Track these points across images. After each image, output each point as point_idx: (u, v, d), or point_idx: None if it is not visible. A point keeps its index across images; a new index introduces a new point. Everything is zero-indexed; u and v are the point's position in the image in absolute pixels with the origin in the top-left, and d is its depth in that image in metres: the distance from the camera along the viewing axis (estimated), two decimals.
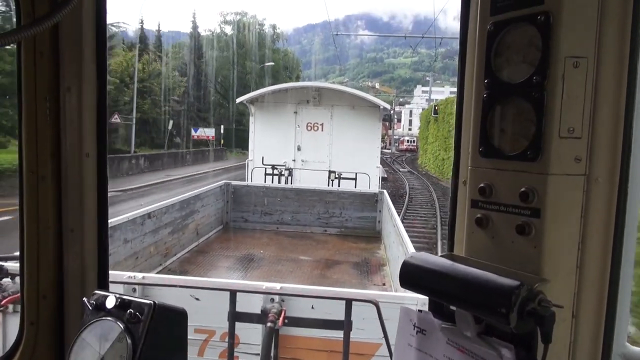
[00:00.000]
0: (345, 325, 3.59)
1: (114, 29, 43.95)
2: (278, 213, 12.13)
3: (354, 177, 14.19)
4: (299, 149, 16.22)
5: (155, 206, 8.67)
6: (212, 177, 28.73)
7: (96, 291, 1.35)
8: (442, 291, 1.01)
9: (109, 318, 1.26)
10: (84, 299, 1.33)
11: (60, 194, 1.64)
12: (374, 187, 14.21)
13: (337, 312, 3.69)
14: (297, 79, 64.94)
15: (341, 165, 15.21)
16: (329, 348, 3.80)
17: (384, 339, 3.04)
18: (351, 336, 3.65)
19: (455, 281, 0.97)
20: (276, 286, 3.86)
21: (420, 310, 1.11)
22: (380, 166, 16.78)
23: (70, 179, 1.64)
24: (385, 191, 12.12)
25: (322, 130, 16.13)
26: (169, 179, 30.04)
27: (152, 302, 1.26)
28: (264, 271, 8.90)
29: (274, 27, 69.99)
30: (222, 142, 51.56)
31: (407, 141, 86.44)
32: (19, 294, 3.51)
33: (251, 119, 16.67)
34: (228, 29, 65.46)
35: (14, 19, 1.55)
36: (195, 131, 49.40)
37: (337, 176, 14.59)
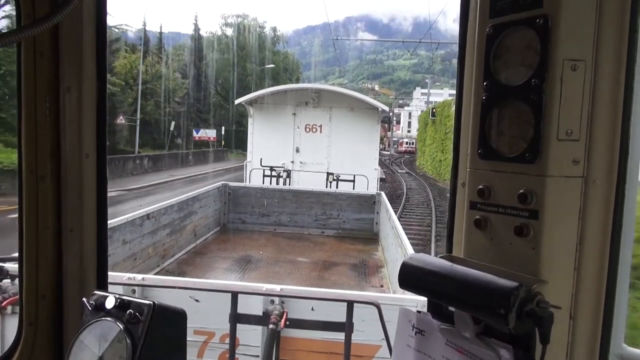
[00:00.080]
0: (346, 327, 3.58)
1: (117, 31, 44.09)
2: (276, 214, 12.13)
3: (352, 179, 14.20)
4: (297, 150, 16.22)
5: (154, 207, 8.66)
6: (213, 177, 29.03)
7: (96, 291, 1.35)
8: (441, 292, 1.01)
9: (108, 318, 1.26)
10: (84, 299, 1.33)
11: (60, 194, 1.64)
12: (372, 188, 14.22)
13: (337, 314, 3.68)
14: (297, 80, 64.98)
15: (339, 167, 15.23)
16: (330, 350, 3.79)
17: (384, 340, 3.03)
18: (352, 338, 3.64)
19: (454, 282, 0.97)
20: (276, 288, 3.85)
21: (419, 311, 1.11)
22: (379, 167, 16.82)
23: (70, 179, 1.64)
24: (382, 193, 12.14)
25: (320, 132, 16.12)
26: (172, 179, 30.62)
27: (151, 302, 1.26)
28: (261, 273, 8.89)
29: (274, 29, 70.25)
30: (222, 143, 51.75)
31: (406, 143, 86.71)
32: (17, 296, 3.50)
33: (250, 121, 16.66)
34: (229, 31, 65.63)
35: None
36: (197, 132, 49.68)
37: (335, 178, 14.61)
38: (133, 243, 7.56)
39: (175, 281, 4.42)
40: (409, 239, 7.05)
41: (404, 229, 7.92)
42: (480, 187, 1.06)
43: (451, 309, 1.03)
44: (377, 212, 11.74)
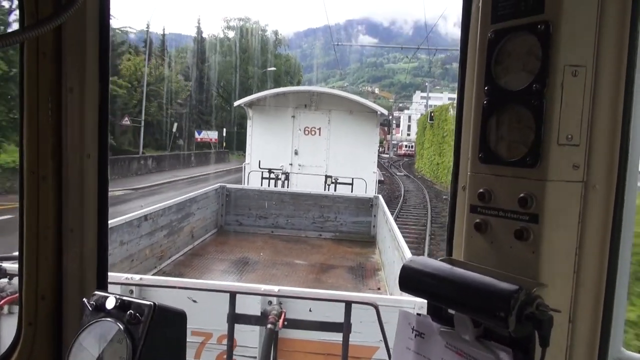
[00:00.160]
0: (344, 327, 3.58)
1: (120, 33, 44.13)
2: (273, 217, 12.12)
3: (351, 182, 14.21)
4: (296, 153, 16.21)
5: (152, 208, 8.65)
6: (215, 178, 29.25)
7: (96, 292, 1.35)
8: (441, 295, 1.02)
9: (108, 319, 1.26)
10: (84, 299, 1.33)
11: (61, 194, 1.64)
12: (371, 192, 14.23)
13: (335, 314, 3.68)
14: (299, 83, 64.96)
15: (338, 170, 15.21)
16: (327, 351, 3.79)
17: (382, 341, 3.04)
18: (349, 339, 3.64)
19: (454, 285, 0.98)
20: (274, 288, 3.85)
21: (419, 314, 1.12)
22: (378, 170, 16.85)
23: (71, 179, 1.64)
24: (380, 196, 12.14)
25: (319, 134, 16.12)
26: (175, 179, 31.25)
27: (152, 303, 1.26)
28: (259, 275, 8.87)
29: (276, 32, 70.38)
30: (224, 144, 51.93)
31: (406, 146, 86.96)
32: (16, 295, 3.50)
33: (249, 123, 16.65)
34: (231, 34, 65.83)
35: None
36: (199, 134, 50.02)
37: (333, 181, 14.60)
38: (130, 244, 7.54)
39: (173, 281, 4.41)
40: (404, 237, 7.04)
41: (401, 228, 7.91)
42: (481, 190, 1.06)
43: (451, 311, 1.04)
44: (375, 215, 11.74)
